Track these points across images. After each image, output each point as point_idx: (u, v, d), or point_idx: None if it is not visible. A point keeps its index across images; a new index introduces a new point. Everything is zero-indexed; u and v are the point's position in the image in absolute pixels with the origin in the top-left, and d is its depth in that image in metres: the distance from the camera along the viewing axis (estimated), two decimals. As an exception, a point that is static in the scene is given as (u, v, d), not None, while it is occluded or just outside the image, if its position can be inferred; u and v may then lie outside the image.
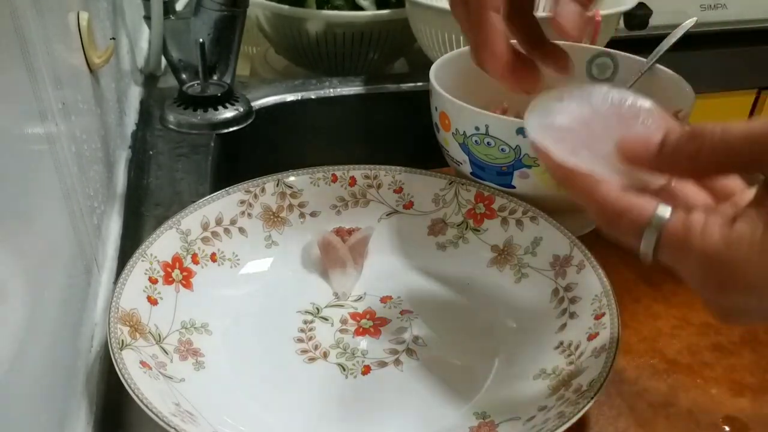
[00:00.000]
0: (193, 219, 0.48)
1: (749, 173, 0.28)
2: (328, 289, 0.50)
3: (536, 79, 0.37)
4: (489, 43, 0.36)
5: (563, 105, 0.32)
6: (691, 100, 0.52)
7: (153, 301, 0.43)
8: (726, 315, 0.30)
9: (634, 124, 0.31)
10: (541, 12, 0.83)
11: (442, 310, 0.48)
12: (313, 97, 0.75)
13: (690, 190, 0.31)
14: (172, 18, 0.67)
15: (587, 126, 0.30)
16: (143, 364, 0.38)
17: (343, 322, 0.47)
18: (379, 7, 0.82)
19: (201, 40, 0.65)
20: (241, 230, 0.51)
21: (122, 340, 0.39)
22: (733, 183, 0.31)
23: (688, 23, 0.59)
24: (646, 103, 0.31)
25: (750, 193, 0.29)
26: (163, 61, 0.73)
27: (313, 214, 0.54)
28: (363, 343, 0.46)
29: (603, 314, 0.42)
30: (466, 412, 0.40)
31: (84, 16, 0.48)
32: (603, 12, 0.66)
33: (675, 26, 0.60)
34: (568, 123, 0.31)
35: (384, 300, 0.49)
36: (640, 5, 1.04)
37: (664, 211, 0.28)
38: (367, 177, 0.54)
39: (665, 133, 0.28)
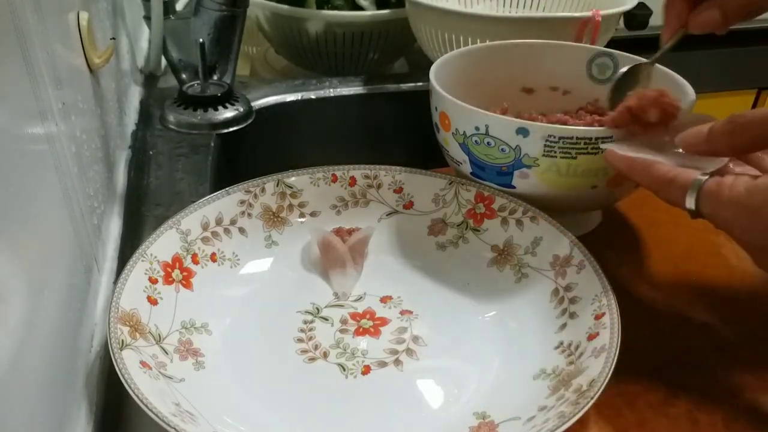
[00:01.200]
0: (193, 219, 0.48)
1: None
2: (328, 289, 0.50)
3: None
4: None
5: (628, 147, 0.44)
6: (692, 100, 0.52)
7: (153, 301, 0.43)
8: (760, 257, 0.38)
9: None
10: (541, 12, 0.83)
11: (442, 310, 0.48)
12: (313, 97, 0.75)
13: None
14: (172, 18, 0.67)
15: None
16: (143, 364, 0.38)
17: (343, 322, 0.47)
18: (379, 7, 0.82)
19: (201, 40, 0.65)
20: (241, 230, 0.51)
21: (122, 340, 0.39)
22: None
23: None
24: None
25: None
26: (163, 61, 0.73)
27: (313, 214, 0.54)
28: (363, 343, 0.46)
29: (603, 314, 0.42)
30: (466, 412, 0.40)
31: (84, 16, 0.48)
32: (603, 12, 0.66)
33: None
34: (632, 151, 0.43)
35: (384, 300, 0.49)
36: (640, 5, 1.04)
37: (703, 176, 0.37)
38: (367, 177, 0.54)
39: (712, 125, 0.38)
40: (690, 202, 0.37)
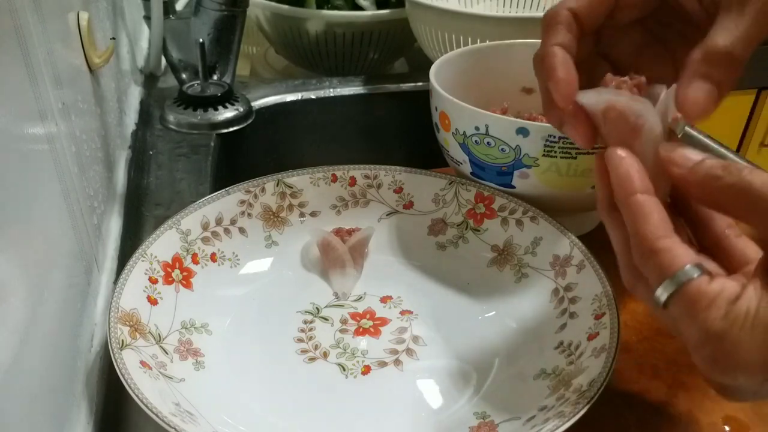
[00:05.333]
0: (193, 219, 0.48)
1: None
2: (328, 289, 0.50)
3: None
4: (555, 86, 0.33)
5: None
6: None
7: (153, 301, 0.43)
8: (722, 390, 0.31)
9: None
10: (541, 12, 0.83)
11: (442, 310, 0.48)
12: (313, 97, 0.75)
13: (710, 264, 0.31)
14: (172, 18, 0.67)
15: None
16: (143, 364, 0.38)
17: (343, 322, 0.47)
18: (379, 7, 0.82)
19: (201, 40, 0.65)
20: (241, 230, 0.51)
21: (122, 340, 0.39)
22: (750, 252, 0.31)
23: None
24: None
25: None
26: (163, 61, 0.73)
27: (313, 214, 0.54)
28: (363, 343, 0.46)
29: (603, 314, 0.42)
30: (466, 412, 0.40)
31: (84, 16, 0.48)
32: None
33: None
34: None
35: (384, 300, 0.49)
36: (640, 5, 1.04)
37: (694, 270, 0.28)
38: (367, 177, 0.54)
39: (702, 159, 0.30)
40: (662, 293, 0.29)
